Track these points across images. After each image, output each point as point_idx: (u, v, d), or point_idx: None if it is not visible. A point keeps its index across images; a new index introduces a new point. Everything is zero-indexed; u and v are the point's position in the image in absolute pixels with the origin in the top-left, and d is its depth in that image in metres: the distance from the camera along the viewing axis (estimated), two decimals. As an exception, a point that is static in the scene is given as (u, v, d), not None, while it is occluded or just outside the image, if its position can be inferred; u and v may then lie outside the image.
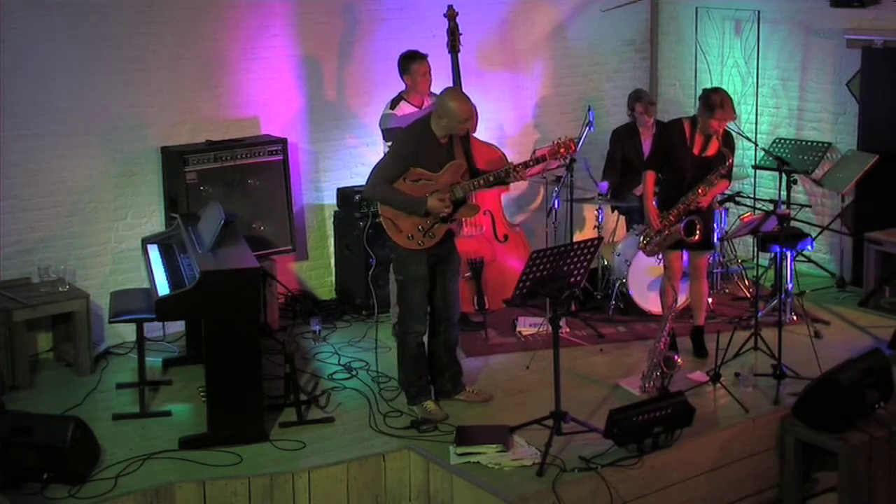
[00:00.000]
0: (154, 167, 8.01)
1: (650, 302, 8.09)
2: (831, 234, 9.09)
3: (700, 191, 7.13)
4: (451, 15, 7.88)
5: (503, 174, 6.53)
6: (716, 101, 6.99)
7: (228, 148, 8.03)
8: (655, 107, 8.69)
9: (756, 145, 9.08)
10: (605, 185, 8.63)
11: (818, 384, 6.51)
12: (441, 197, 6.39)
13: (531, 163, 6.62)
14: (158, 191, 8.05)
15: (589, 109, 8.42)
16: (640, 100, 8.61)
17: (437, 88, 7.36)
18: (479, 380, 7.24)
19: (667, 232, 7.22)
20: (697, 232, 7.12)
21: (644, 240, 7.32)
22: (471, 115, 6.47)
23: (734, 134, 7.38)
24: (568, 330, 7.94)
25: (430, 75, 7.58)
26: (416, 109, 7.52)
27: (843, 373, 6.46)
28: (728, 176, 7.26)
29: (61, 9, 7.51)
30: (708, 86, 9.63)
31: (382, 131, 7.63)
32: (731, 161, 7.17)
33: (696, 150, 7.17)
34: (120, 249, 7.93)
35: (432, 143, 6.43)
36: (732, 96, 7.21)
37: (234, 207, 7.71)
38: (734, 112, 7.21)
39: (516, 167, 6.56)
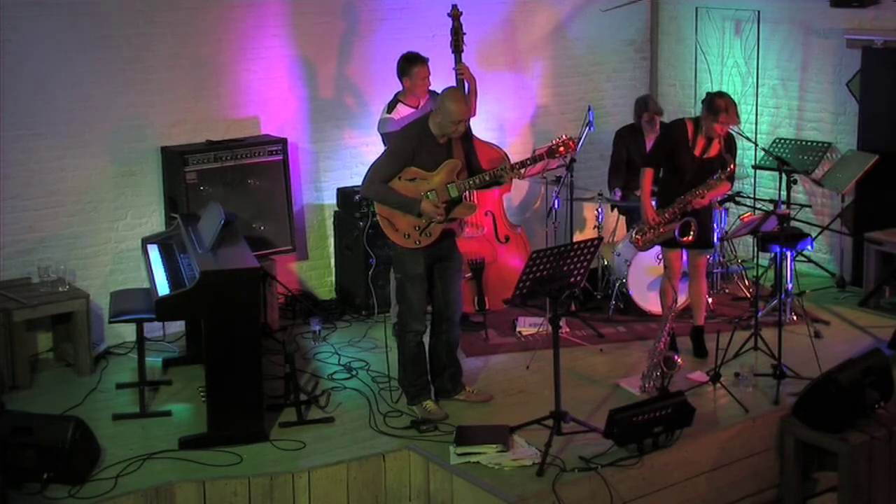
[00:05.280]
0: (154, 167, 8.02)
1: (650, 302, 8.09)
2: (831, 234, 9.09)
3: (699, 192, 7.15)
4: (455, 15, 7.85)
5: (499, 173, 6.51)
6: (721, 106, 7.00)
7: (228, 148, 8.03)
8: (661, 115, 8.66)
9: (756, 145, 9.08)
10: (618, 192, 8.59)
11: (818, 384, 6.51)
12: (435, 201, 6.39)
13: (528, 162, 6.61)
14: (158, 191, 8.05)
15: (589, 109, 8.42)
16: (647, 109, 8.58)
17: (436, 89, 7.36)
18: (479, 380, 7.24)
19: (661, 229, 7.24)
20: (692, 233, 7.14)
21: (637, 234, 7.34)
22: (465, 118, 6.43)
23: (734, 135, 7.39)
24: (568, 330, 7.94)
25: (429, 79, 7.57)
26: (413, 110, 7.50)
27: (843, 373, 6.46)
28: (730, 179, 7.27)
29: (61, 9, 7.51)
30: (708, 86, 9.67)
31: (382, 136, 7.61)
32: (732, 166, 7.18)
33: (697, 152, 7.19)
34: (120, 249, 7.93)
35: (430, 143, 6.43)
36: (732, 96, 7.22)
37: (234, 207, 7.71)
38: (738, 117, 7.23)
39: (513, 166, 6.54)
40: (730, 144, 7.24)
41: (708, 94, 7.25)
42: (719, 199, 7.89)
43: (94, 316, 7.50)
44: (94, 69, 7.68)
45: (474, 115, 7.65)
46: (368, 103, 8.67)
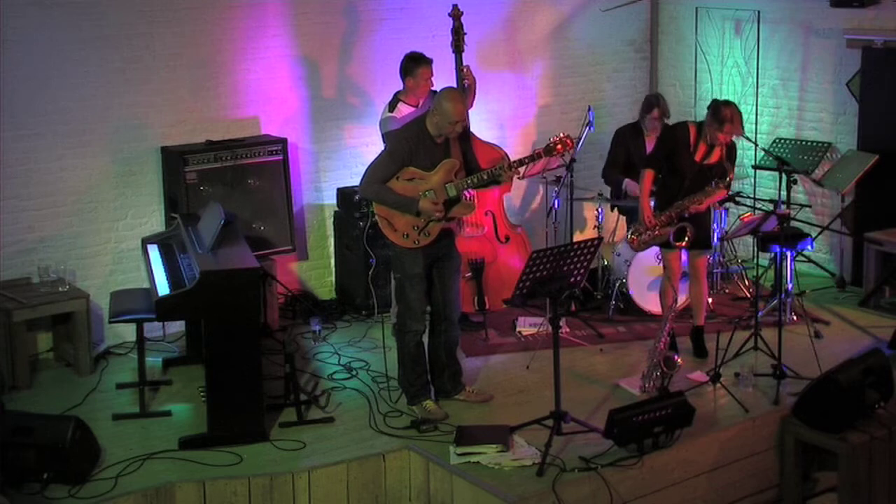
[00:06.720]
0: (154, 167, 8.01)
1: (650, 302, 8.09)
2: (831, 234, 9.09)
3: (696, 199, 7.15)
4: (455, 14, 7.84)
5: (497, 172, 6.50)
6: (726, 116, 6.98)
7: (228, 148, 8.03)
8: (668, 118, 8.62)
9: (756, 145, 9.07)
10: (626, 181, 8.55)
11: (818, 384, 6.51)
12: (434, 199, 6.39)
13: (526, 160, 6.60)
14: (158, 191, 8.05)
15: (589, 109, 8.41)
16: (657, 106, 8.50)
17: (437, 88, 7.36)
18: (479, 380, 7.24)
19: (657, 232, 7.24)
20: (686, 239, 7.14)
21: (633, 234, 7.34)
22: (462, 118, 6.42)
23: (735, 140, 7.38)
24: (568, 330, 7.94)
25: (432, 80, 7.57)
26: (413, 109, 7.50)
27: (843, 373, 6.46)
28: (727, 187, 7.26)
29: (61, 8, 7.51)
30: (708, 86, 9.68)
31: (383, 135, 7.61)
32: (731, 176, 7.18)
33: (698, 157, 7.18)
34: (120, 249, 7.93)
35: (428, 143, 6.43)
36: (732, 96, 7.22)
37: (234, 207, 7.71)
38: (743, 128, 7.22)
39: (511, 164, 6.53)
40: (731, 152, 7.24)
41: (714, 101, 7.20)
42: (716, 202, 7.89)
43: (94, 316, 7.50)
44: (94, 69, 7.68)
45: (471, 107, 7.66)
46: (368, 103, 8.67)
